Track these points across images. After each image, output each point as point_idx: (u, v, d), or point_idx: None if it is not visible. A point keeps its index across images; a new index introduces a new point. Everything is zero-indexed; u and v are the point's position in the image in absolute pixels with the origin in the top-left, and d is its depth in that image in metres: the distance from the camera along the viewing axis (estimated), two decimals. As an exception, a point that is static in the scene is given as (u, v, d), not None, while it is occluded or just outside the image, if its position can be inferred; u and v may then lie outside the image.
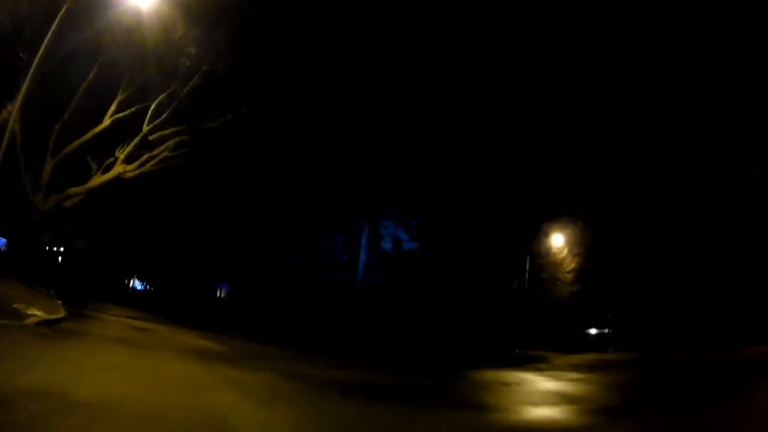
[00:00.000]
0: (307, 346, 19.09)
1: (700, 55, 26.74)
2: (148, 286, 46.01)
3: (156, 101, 18.54)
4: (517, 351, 23.51)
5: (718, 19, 25.61)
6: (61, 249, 36.24)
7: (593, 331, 29.65)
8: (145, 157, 19.52)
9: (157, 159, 19.78)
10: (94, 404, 5.63)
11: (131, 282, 45.61)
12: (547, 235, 29.06)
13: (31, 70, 12.61)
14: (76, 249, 34.81)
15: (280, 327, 24.21)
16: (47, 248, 32.48)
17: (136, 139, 19.08)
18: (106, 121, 18.46)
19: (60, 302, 14.02)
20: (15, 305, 10.87)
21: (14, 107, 13.18)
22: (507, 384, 13.75)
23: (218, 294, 40.37)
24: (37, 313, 10.99)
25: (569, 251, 29.08)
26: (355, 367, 15.16)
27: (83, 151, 19.00)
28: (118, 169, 19.24)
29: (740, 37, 25.09)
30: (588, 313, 29.56)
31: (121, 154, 19.20)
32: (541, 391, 12.85)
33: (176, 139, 19.78)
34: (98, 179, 19.27)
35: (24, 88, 12.81)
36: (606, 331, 29.23)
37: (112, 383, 6.93)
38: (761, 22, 23.68)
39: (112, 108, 18.40)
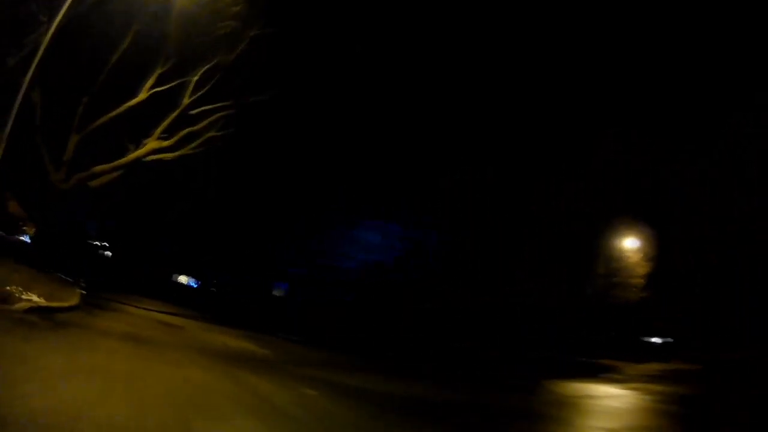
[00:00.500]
0: (363, 349, 17.90)
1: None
2: (201, 284, 44.32)
3: (199, 73, 17.10)
4: (584, 359, 22.54)
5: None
6: (106, 243, 35.45)
7: (656, 339, 28.34)
8: (184, 132, 17.88)
9: (200, 140, 18.18)
10: (18, 423, 3.94)
11: (183, 278, 43.84)
12: (619, 238, 27.95)
13: (51, 31, 11.22)
14: (123, 242, 33.94)
15: (334, 329, 23.44)
16: (92, 241, 31.62)
17: (176, 112, 17.49)
18: (143, 94, 16.87)
19: (80, 291, 12.94)
20: (8, 288, 9.70)
21: (29, 72, 11.46)
22: (592, 397, 12.30)
23: (275, 294, 38.59)
24: (33, 298, 9.85)
25: (642, 255, 27.81)
26: (412, 377, 13.31)
27: (112, 128, 17.39)
28: (152, 144, 17.51)
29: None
30: (651, 320, 28.23)
31: (157, 129, 17.58)
32: (639, 409, 11.49)
33: (221, 114, 18.18)
34: (129, 156, 17.58)
35: (41, 52, 11.31)
36: (669, 339, 27.79)
37: (74, 394, 5.13)
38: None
39: (151, 81, 16.85)
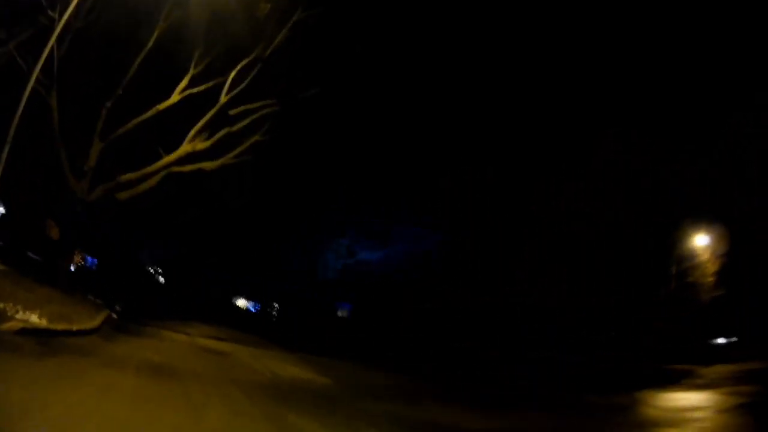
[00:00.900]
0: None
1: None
2: (260, 307, 42.57)
3: (236, 69, 15.91)
4: (663, 366, 21.32)
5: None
6: (159, 269, 34.78)
7: (721, 340, 27.11)
8: (222, 133, 16.53)
9: (244, 146, 16.85)
10: None
11: (242, 302, 42.53)
12: (690, 235, 26.96)
13: (59, 27, 10.55)
14: (174, 266, 33.27)
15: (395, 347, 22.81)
16: (145, 265, 30.96)
17: (212, 111, 16.15)
18: (175, 97, 15.65)
19: (108, 314, 11.93)
20: (1, 304, 8.60)
21: (35, 70, 10.58)
22: (695, 409, 11.05)
23: (339, 314, 37.40)
24: (31, 319, 8.72)
25: (713, 253, 26.74)
26: (505, 406, 11.59)
27: (141, 135, 16.18)
28: (186, 148, 16.16)
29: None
30: (718, 319, 27.07)
31: (191, 131, 16.31)
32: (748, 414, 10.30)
33: (262, 113, 16.77)
34: (160, 162, 16.13)
35: (47, 49, 10.46)
36: (734, 339, 26.60)
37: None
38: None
39: (183, 82, 15.67)
